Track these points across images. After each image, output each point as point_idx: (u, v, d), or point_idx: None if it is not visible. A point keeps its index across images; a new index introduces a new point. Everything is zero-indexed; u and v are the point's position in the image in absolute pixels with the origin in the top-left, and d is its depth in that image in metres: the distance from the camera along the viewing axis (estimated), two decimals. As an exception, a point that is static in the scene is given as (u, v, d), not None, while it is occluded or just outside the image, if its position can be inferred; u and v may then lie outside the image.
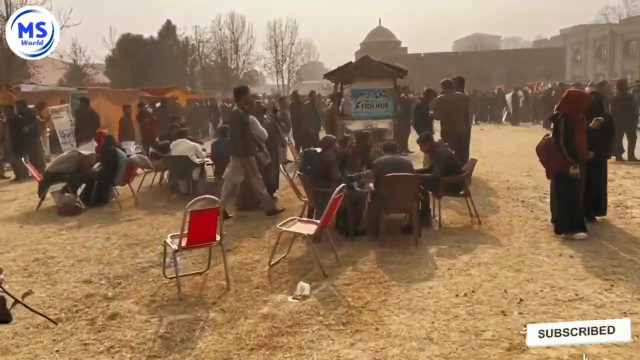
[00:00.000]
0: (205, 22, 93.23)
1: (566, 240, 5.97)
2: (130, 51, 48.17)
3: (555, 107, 6.28)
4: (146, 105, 15.62)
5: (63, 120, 18.43)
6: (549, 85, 26.07)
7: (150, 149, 10.43)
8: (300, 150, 11.51)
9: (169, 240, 4.92)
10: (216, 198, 5.13)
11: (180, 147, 9.16)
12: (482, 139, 18.03)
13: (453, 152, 7.83)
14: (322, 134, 10.62)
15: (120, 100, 20.68)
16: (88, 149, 14.99)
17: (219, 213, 4.71)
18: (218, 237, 4.84)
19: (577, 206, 6.02)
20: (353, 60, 11.20)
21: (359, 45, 74.12)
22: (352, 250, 6.03)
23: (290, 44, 56.37)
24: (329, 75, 10.43)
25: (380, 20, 74.32)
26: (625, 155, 12.00)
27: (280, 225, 5.56)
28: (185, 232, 4.57)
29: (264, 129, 7.86)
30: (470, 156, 8.64)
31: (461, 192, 7.00)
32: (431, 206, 7.06)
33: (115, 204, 8.74)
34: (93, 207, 8.58)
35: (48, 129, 17.14)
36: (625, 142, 12.17)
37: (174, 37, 56.19)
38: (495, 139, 18.23)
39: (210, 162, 9.31)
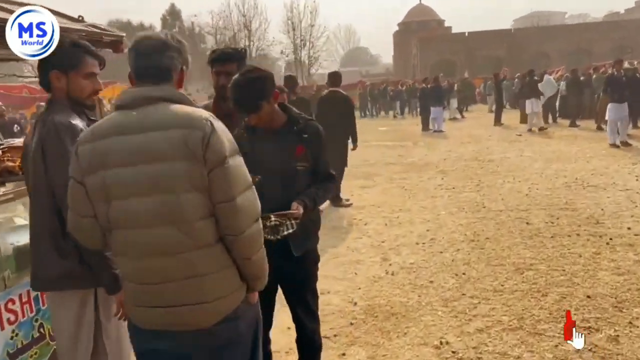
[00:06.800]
0: (210, 6, 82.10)
1: None
2: (121, 40, 42.25)
3: None
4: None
5: None
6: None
7: None
8: None
9: None
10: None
11: None
12: (513, 171, 10.01)
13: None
14: None
15: None
16: None
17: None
18: None
19: None
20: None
21: (396, 25, 65.44)
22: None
23: (310, 25, 48.73)
24: None
25: (420, -4, 64.78)
26: None
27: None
28: None
29: None
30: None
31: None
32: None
33: None
34: None
35: None
36: None
37: (180, 24, 49.91)
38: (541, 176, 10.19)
39: None
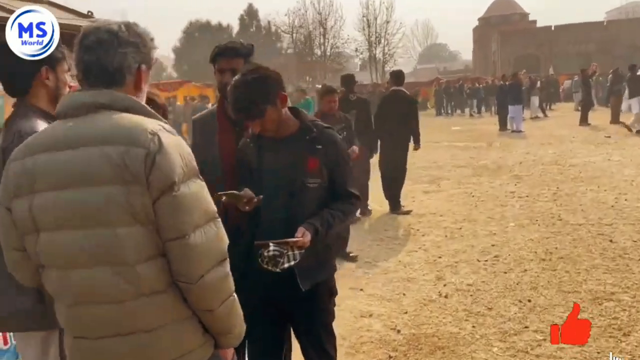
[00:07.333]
0: (287, 5, 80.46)
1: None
2: (201, 39, 43.32)
3: None
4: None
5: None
6: None
7: None
8: None
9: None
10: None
11: None
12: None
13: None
14: None
15: None
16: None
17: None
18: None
19: None
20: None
21: (477, 20, 63.00)
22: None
23: (386, 22, 47.73)
24: None
25: (503, -11, 61.94)
26: None
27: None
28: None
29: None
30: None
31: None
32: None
33: None
34: None
35: None
36: None
37: (257, 23, 50.68)
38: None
39: None
